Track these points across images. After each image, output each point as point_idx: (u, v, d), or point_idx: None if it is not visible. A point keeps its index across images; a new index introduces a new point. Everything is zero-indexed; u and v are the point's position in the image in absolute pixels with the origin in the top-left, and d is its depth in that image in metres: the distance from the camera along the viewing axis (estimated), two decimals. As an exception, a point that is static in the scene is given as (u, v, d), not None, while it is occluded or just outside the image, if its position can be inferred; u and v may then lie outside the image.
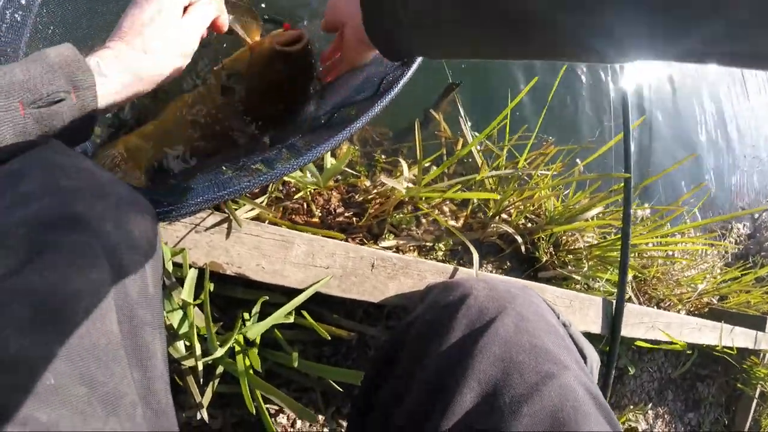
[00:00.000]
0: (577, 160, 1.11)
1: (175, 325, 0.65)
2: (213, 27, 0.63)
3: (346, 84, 0.70)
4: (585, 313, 0.87)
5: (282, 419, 0.81)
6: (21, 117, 0.42)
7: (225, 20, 0.64)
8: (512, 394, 0.44)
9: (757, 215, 2.15)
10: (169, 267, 0.64)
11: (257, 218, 0.72)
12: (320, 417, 0.83)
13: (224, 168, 0.68)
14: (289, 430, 0.81)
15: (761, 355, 1.59)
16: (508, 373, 0.46)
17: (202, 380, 0.67)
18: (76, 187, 0.39)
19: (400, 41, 0.51)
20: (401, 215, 0.87)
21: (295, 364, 0.60)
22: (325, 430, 0.84)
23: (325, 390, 0.81)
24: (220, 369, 0.70)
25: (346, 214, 0.85)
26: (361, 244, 0.82)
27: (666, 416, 1.46)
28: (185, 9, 0.58)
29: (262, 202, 0.73)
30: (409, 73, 0.59)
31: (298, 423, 0.83)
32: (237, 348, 0.68)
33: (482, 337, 0.49)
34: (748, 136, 2.52)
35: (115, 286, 0.38)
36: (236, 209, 0.68)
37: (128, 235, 0.41)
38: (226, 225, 0.65)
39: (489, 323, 0.51)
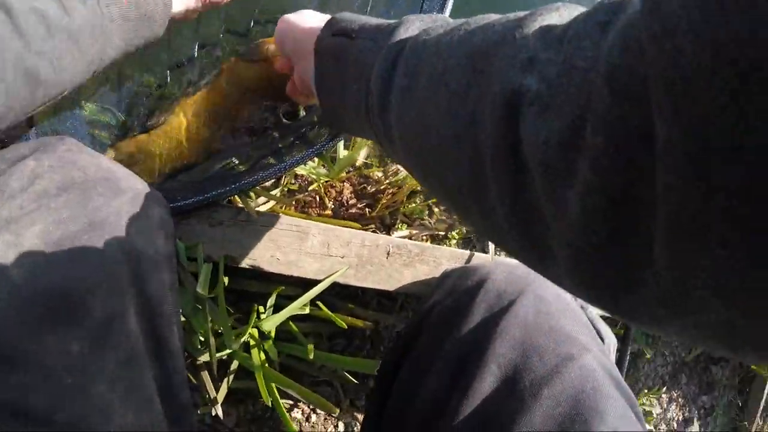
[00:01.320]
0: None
1: (190, 321, 0.65)
2: None
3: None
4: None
5: (297, 414, 0.81)
6: (125, 6, 0.46)
7: None
8: (532, 377, 0.44)
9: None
10: (184, 261, 0.64)
11: (272, 210, 0.71)
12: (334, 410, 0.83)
13: (236, 163, 0.68)
14: (304, 424, 0.81)
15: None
16: (528, 356, 0.46)
17: (217, 375, 0.67)
18: (92, 184, 0.39)
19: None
20: (413, 205, 0.86)
21: (311, 356, 0.60)
22: (340, 422, 0.83)
23: (341, 383, 0.81)
24: (234, 364, 0.70)
25: (359, 206, 0.85)
26: (374, 235, 0.81)
27: (680, 399, 1.45)
28: None
29: (275, 194, 0.72)
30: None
31: (313, 417, 0.83)
32: (252, 342, 0.67)
33: (501, 321, 0.49)
34: None
35: (132, 282, 0.38)
36: (250, 201, 0.68)
37: (145, 230, 0.41)
38: (240, 218, 0.64)
39: (508, 306, 0.51)
